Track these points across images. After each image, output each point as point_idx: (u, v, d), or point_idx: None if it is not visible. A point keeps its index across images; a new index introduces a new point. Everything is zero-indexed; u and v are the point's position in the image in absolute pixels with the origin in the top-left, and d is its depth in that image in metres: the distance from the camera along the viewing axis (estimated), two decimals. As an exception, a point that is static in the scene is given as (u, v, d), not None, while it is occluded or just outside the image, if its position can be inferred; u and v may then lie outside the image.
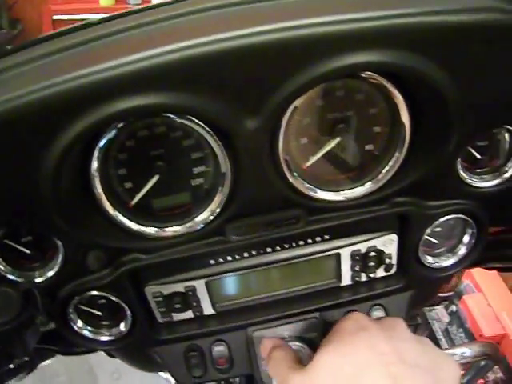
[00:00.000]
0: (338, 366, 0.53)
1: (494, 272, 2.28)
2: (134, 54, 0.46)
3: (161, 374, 2.56)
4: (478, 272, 2.29)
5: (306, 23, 0.47)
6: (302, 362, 0.63)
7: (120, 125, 0.52)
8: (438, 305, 2.50)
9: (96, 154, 0.54)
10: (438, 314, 2.46)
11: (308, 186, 0.61)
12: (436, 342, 2.15)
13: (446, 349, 1.65)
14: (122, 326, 0.72)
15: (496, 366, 2.14)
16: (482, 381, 2.23)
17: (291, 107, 0.54)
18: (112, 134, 0.53)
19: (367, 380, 0.51)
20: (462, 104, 0.54)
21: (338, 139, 0.59)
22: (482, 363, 1.69)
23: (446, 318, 2.39)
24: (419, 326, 2.48)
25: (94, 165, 0.54)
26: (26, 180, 0.51)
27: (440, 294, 2.59)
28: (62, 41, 0.51)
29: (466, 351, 1.44)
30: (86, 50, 0.49)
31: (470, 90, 0.54)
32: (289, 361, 0.62)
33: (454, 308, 2.31)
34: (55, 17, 3.64)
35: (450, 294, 2.45)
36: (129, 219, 0.60)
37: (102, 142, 0.53)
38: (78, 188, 0.56)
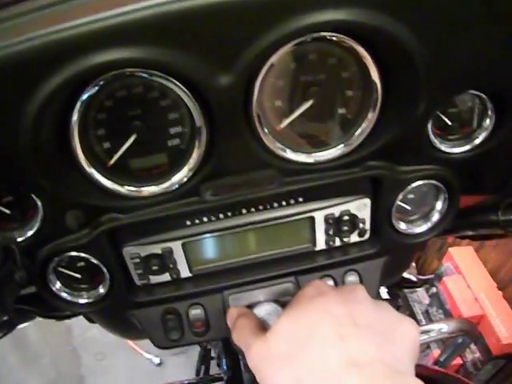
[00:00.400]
0: (292, 330, 0.54)
1: (474, 255, 2.33)
2: (111, 10, 0.48)
3: (144, 354, 2.59)
4: (458, 254, 2.33)
5: None
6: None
7: (101, 81, 0.54)
8: (419, 287, 2.54)
9: (77, 106, 0.55)
10: (419, 296, 2.50)
11: (281, 146, 0.63)
12: (416, 323, 2.17)
13: (424, 325, 1.68)
14: (101, 289, 0.73)
15: (474, 347, 2.19)
16: (460, 361, 2.28)
17: (266, 66, 0.56)
18: (94, 90, 0.54)
19: (316, 342, 0.52)
20: (431, 65, 0.56)
21: (310, 102, 0.61)
22: (460, 340, 1.73)
23: (427, 300, 2.43)
24: (400, 307, 2.52)
25: (74, 117, 0.56)
26: (6, 132, 0.53)
27: (421, 277, 2.63)
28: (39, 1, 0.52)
29: (444, 327, 1.47)
30: (64, 8, 0.50)
31: (438, 51, 0.55)
32: (252, 328, 0.63)
33: (434, 290, 2.35)
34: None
35: (431, 276, 2.49)
36: (107, 178, 0.62)
37: (85, 96, 0.54)
38: (58, 145, 0.57)
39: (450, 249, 2.37)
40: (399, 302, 2.52)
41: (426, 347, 2.29)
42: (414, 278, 2.59)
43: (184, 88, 0.56)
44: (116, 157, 0.60)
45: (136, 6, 0.48)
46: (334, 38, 0.56)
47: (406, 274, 2.56)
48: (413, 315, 2.40)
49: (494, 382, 2.28)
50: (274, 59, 0.56)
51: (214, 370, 1.45)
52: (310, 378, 0.49)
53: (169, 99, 0.58)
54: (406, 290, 2.53)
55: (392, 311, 0.58)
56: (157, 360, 2.58)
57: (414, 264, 2.69)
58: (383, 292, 2.50)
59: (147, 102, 0.58)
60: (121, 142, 0.59)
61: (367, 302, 0.58)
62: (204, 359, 1.41)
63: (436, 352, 2.11)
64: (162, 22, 0.49)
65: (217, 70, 0.53)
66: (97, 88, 0.54)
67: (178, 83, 0.55)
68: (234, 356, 0.95)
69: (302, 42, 0.55)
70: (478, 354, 2.18)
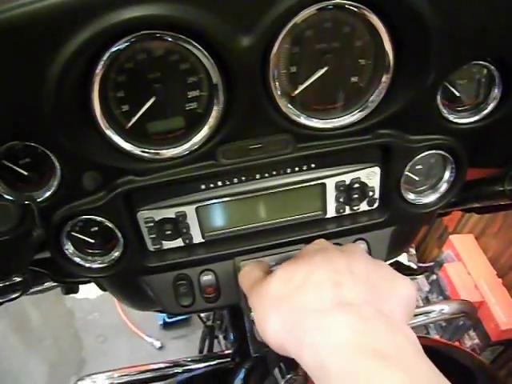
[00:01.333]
0: (290, 274, 0.57)
1: (475, 242, 2.35)
2: None
3: (145, 338, 2.61)
4: (458, 242, 2.36)
5: None
6: None
7: (126, 42, 0.55)
8: (419, 275, 2.56)
9: (99, 66, 0.56)
10: (419, 283, 2.53)
11: (295, 111, 0.65)
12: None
13: (424, 306, 1.70)
14: (114, 253, 0.74)
15: (473, 333, 2.21)
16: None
17: (284, 31, 0.57)
18: (120, 46, 0.55)
19: (311, 284, 0.54)
20: (441, 33, 0.57)
21: (325, 69, 0.62)
22: (460, 323, 1.75)
23: (427, 287, 2.46)
24: (400, 294, 2.54)
25: (96, 78, 0.57)
26: (30, 90, 0.54)
27: (421, 265, 2.65)
28: None
29: (445, 308, 1.49)
30: None
31: (449, 18, 0.57)
32: (258, 272, 0.65)
33: (434, 277, 2.37)
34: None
35: (432, 263, 2.51)
36: (125, 140, 0.63)
37: (109, 52, 0.55)
38: (79, 106, 0.59)
39: (451, 236, 2.40)
40: (399, 289, 2.55)
41: (425, 333, 2.32)
42: (414, 266, 2.62)
43: (204, 51, 0.57)
44: (134, 119, 0.62)
45: None
46: (349, 7, 0.58)
47: (406, 262, 2.59)
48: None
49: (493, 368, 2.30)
50: (291, 25, 0.57)
51: (216, 349, 1.47)
52: (302, 316, 0.51)
53: (188, 63, 0.60)
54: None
55: (390, 269, 0.60)
56: (158, 344, 2.60)
57: (414, 252, 2.71)
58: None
59: (167, 65, 0.59)
60: (139, 104, 0.61)
61: (366, 258, 0.60)
62: (208, 337, 1.42)
63: (435, 337, 2.14)
64: None
65: (239, 31, 0.54)
66: (121, 46, 0.55)
67: (198, 46, 0.57)
68: (241, 329, 0.97)
69: (320, 8, 0.57)
70: (476, 340, 2.21)
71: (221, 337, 1.35)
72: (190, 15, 0.52)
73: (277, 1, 0.53)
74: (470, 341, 2.24)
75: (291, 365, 0.68)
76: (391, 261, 2.53)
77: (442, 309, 1.50)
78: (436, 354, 1.02)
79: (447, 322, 2.02)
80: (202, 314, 1.58)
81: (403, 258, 2.58)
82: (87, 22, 0.51)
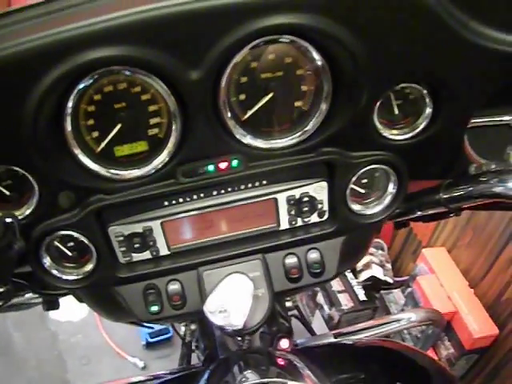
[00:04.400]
0: None
1: (447, 255, 2.41)
2: (99, 16, 0.59)
3: (129, 358, 2.64)
4: (431, 255, 2.40)
5: None
6: None
7: (92, 77, 0.64)
8: (395, 289, 2.62)
9: (71, 99, 0.65)
10: (395, 297, 2.57)
11: (244, 134, 0.73)
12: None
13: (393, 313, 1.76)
14: (88, 266, 0.81)
15: (448, 343, 2.27)
16: (435, 358, 2.36)
17: (230, 64, 0.66)
18: (87, 83, 0.65)
19: None
20: (368, 60, 0.66)
21: (270, 95, 0.71)
22: (430, 331, 1.82)
23: (402, 300, 2.49)
24: (377, 308, 2.60)
25: (68, 109, 0.66)
26: (10, 123, 0.63)
27: (397, 279, 2.72)
28: (48, 6, 0.63)
29: (412, 316, 1.56)
30: (60, 15, 0.62)
31: (373, 48, 0.66)
32: None
33: (409, 290, 2.42)
34: None
35: (406, 277, 2.57)
36: (95, 163, 0.71)
37: (78, 88, 0.65)
38: (54, 134, 0.67)
39: (424, 250, 2.45)
40: (376, 303, 2.61)
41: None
42: (390, 280, 2.68)
43: (161, 83, 0.66)
44: (103, 144, 0.70)
45: (121, 13, 0.59)
46: (286, 40, 0.66)
47: (382, 277, 2.65)
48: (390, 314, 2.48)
49: (469, 377, 2.35)
50: (237, 59, 0.66)
51: (195, 361, 1.52)
52: None
53: (149, 93, 0.68)
54: (382, 292, 2.62)
55: None
56: (141, 363, 2.62)
57: (390, 267, 2.78)
58: (361, 294, 2.59)
59: (131, 95, 0.68)
60: (107, 131, 0.69)
61: None
62: (185, 351, 1.48)
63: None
64: (142, 26, 0.60)
65: (188, 66, 0.63)
66: (89, 82, 0.64)
67: (156, 79, 0.66)
68: (209, 335, 1.03)
69: (259, 43, 0.65)
70: (452, 350, 2.25)
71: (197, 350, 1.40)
72: (145, 54, 0.61)
73: (215, 41, 0.62)
74: (446, 350, 2.29)
75: (249, 362, 0.75)
76: (366, 277, 2.58)
77: (409, 317, 1.57)
78: (398, 356, 1.09)
79: (413, 329, 2.08)
80: (181, 329, 1.62)
81: (379, 273, 2.64)
82: (56, 63, 0.60)
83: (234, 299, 0.76)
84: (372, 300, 2.59)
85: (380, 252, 2.74)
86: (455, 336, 2.20)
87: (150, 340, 2.67)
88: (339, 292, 2.57)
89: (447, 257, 2.41)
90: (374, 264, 2.64)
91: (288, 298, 1.30)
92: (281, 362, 0.82)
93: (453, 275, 2.32)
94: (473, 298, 2.22)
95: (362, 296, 2.57)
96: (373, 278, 2.62)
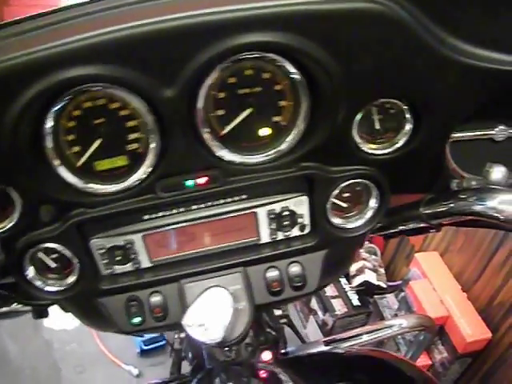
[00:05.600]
0: None
1: (439, 259, 2.42)
2: (74, 36, 0.60)
3: (123, 365, 2.64)
4: (423, 259, 2.41)
5: (206, 12, 0.61)
6: None
7: (70, 94, 0.65)
8: (388, 293, 2.63)
9: (50, 116, 0.66)
10: (389, 302, 2.58)
11: (222, 149, 0.73)
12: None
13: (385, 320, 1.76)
14: (71, 277, 0.82)
15: (442, 347, 2.28)
16: (429, 362, 2.36)
17: (207, 81, 0.67)
18: (64, 102, 0.65)
19: None
20: (343, 77, 0.67)
21: (248, 110, 0.71)
22: (421, 337, 1.82)
23: (396, 305, 2.50)
24: (371, 313, 2.61)
25: (48, 126, 0.66)
26: None
27: (390, 284, 2.72)
28: (24, 25, 0.65)
29: (404, 322, 1.57)
30: (35, 34, 0.63)
31: (347, 65, 0.67)
32: None
33: (402, 294, 2.43)
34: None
35: (399, 282, 2.58)
36: (76, 177, 0.72)
37: (56, 107, 0.65)
38: (34, 149, 0.68)
39: (416, 254, 2.46)
40: (370, 308, 2.61)
41: (396, 349, 2.38)
42: (383, 285, 2.69)
43: (138, 99, 0.66)
44: (83, 159, 0.71)
45: (94, 33, 0.60)
46: (258, 56, 0.67)
47: (376, 282, 2.66)
48: (383, 320, 2.48)
49: (463, 381, 2.36)
50: (213, 75, 0.67)
51: (186, 370, 1.52)
52: None
53: (128, 109, 0.69)
54: (376, 297, 2.62)
55: None
56: (136, 371, 2.63)
57: (383, 271, 2.78)
58: (354, 299, 2.59)
59: (110, 111, 0.68)
60: (87, 146, 0.70)
61: None
62: (176, 359, 1.49)
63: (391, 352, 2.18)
64: (115, 45, 0.61)
65: (162, 84, 0.64)
66: (66, 100, 0.65)
67: (133, 95, 0.66)
68: (196, 346, 1.04)
69: (234, 60, 0.66)
70: (445, 354, 2.26)
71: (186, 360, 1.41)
72: (119, 73, 0.62)
73: (188, 60, 0.63)
74: (439, 355, 2.30)
75: (231, 374, 0.75)
76: (359, 282, 2.59)
77: (400, 323, 1.58)
78: (385, 366, 1.10)
79: (407, 334, 2.09)
80: (172, 338, 1.63)
81: (373, 278, 2.65)
82: (31, 82, 0.60)
83: (212, 313, 0.76)
84: (365, 305, 2.60)
85: (373, 257, 2.75)
86: (448, 340, 2.22)
87: (145, 347, 2.68)
88: (333, 297, 2.58)
89: (440, 261, 2.43)
90: (367, 269, 2.65)
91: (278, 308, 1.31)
92: (263, 374, 0.83)
93: (445, 279, 2.34)
94: (465, 302, 2.24)
95: (355, 301, 2.58)
96: (366, 283, 2.63)
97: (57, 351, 2.73)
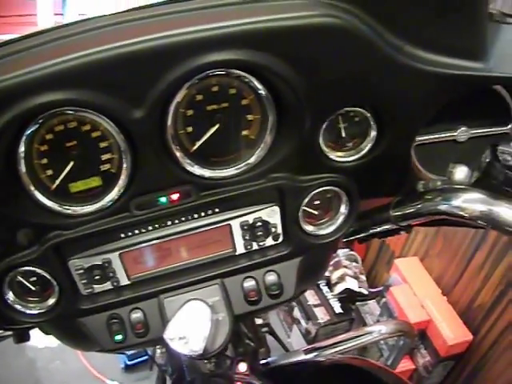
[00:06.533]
0: None
1: (419, 264, 2.45)
2: (40, 63, 0.61)
3: (108, 381, 2.62)
4: (403, 265, 2.44)
5: (171, 34, 0.63)
6: None
7: (41, 119, 0.66)
8: (370, 300, 2.66)
9: (23, 140, 0.67)
10: (371, 308, 2.60)
11: (192, 165, 0.75)
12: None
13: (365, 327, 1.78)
14: (51, 299, 0.82)
15: (425, 351, 2.31)
16: (413, 366, 2.39)
17: (175, 100, 0.69)
18: (36, 126, 0.66)
19: None
20: (306, 88, 0.69)
21: (216, 126, 0.73)
22: (401, 343, 1.85)
23: (378, 311, 2.53)
24: (354, 320, 2.63)
25: (21, 150, 0.68)
26: None
27: (372, 290, 2.75)
28: None
29: (383, 328, 1.59)
30: (10, 60, 0.65)
31: (308, 77, 0.69)
32: None
33: (384, 300, 2.45)
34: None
35: (380, 288, 2.61)
36: (50, 200, 0.73)
37: (28, 131, 0.67)
38: (7, 173, 0.69)
39: (396, 260, 2.49)
40: (353, 315, 2.64)
41: (379, 356, 2.40)
42: (365, 292, 2.72)
43: (108, 121, 0.68)
44: (57, 182, 0.72)
45: (63, 59, 0.61)
46: (223, 72, 0.69)
47: (357, 289, 2.68)
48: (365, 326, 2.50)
49: (446, 384, 2.39)
50: (180, 94, 0.69)
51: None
52: None
53: (99, 131, 0.70)
54: (358, 304, 2.65)
55: None
56: (120, 387, 2.62)
57: (365, 278, 2.81)
58: (336, 307, 2.61)
59: (81, 134, 0.70)
60: (61, 169, 0.71)
61: None
62: (160, 374, 1.49)
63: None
64: (84, 70, 0.62)
65: (130, 105, 0.66)
66: (38, 124, 0.66)
67: (103, 117, 0.68)
68: (177, 359, 1.05)
69: (200, 78, 0.68)
70: (428, 358, 2.29)
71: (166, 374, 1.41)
72: (86, 97, 0.64)
73: (153, 82, 0.65)
74: (422, 359, 2.32)
75: None
76: (341, 289, 2.62)
77: (380, 329, 1.60)
78: (364, 374, 1.12)
79: (387, 340, 2.11)
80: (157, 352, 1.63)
81: (354, 286, 2.67)
82: (7, 107, 0.61)
83: (192, 326, 0.78)
84: (348, 312, 2.63)
85: (354, 264, 2.77)
86: (430, 344, 2.25)
87: (129, 363, 2.67)
88: (315, 306, 2.60)
89: (420, 266, 2.46)
90: (348, 276, 2.68)
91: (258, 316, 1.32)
92: None
93: (425, 284, 2.37)
94: (446, 306, 2.28)
95: (337, 309, 2.60)
96: (348, 291, 2.65)
97: (40, 370, 2.71)
